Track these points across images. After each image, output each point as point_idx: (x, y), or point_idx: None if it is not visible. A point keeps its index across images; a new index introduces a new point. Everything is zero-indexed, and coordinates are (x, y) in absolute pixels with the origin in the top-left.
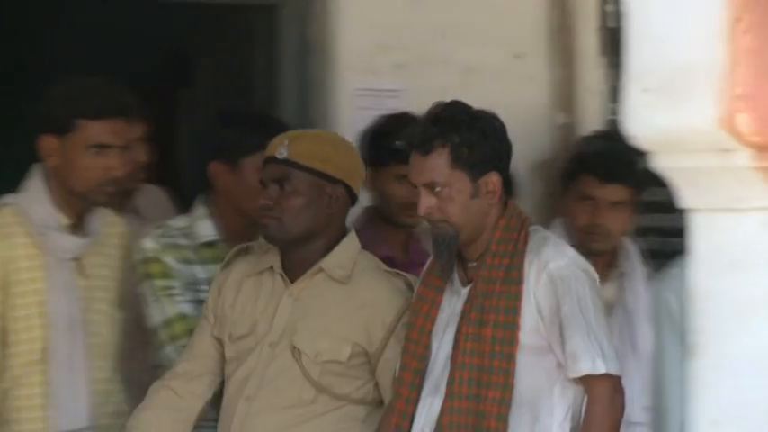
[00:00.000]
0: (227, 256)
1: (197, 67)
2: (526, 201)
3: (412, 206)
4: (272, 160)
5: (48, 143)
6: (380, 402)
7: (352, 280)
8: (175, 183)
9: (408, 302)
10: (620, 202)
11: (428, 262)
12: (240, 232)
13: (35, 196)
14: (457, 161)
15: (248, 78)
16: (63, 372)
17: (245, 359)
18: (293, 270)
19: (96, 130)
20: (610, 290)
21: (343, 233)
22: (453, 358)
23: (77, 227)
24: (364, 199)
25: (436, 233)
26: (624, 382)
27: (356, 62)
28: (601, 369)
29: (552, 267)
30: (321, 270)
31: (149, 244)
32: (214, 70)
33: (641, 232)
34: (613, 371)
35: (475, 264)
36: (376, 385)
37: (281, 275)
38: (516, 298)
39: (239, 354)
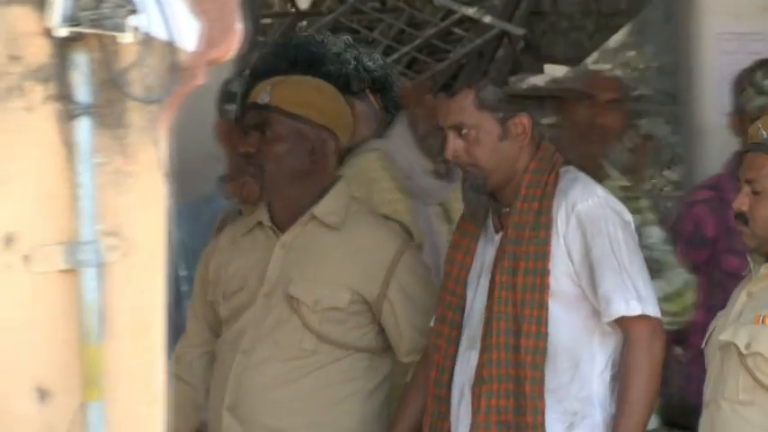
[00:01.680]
0: (216, 223)
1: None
2: None
3: None
4: (253, 106)
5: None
6: (385, 349)
7: (346, 226)
8: None
9: (405, 245)
10: None
11: (463, 208)
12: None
13: (401, 141)
14: (483, 102)
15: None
16: None
17: (240, 316)
18: (282, 221)
19: None
20: None
21: (331, 180)
22: (489, 308)
23: (442, 172)
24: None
25: (465, 177)
26: None
27: (721, 5)
28: (636, 310)
29: (580, 209)
30: (313, 217)
31: None
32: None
33: None
34: (651, 312)
35: (508, 209)
36: (379, 332)
37: (271, 228)
38: (545, 243)
39: (233, 311)
